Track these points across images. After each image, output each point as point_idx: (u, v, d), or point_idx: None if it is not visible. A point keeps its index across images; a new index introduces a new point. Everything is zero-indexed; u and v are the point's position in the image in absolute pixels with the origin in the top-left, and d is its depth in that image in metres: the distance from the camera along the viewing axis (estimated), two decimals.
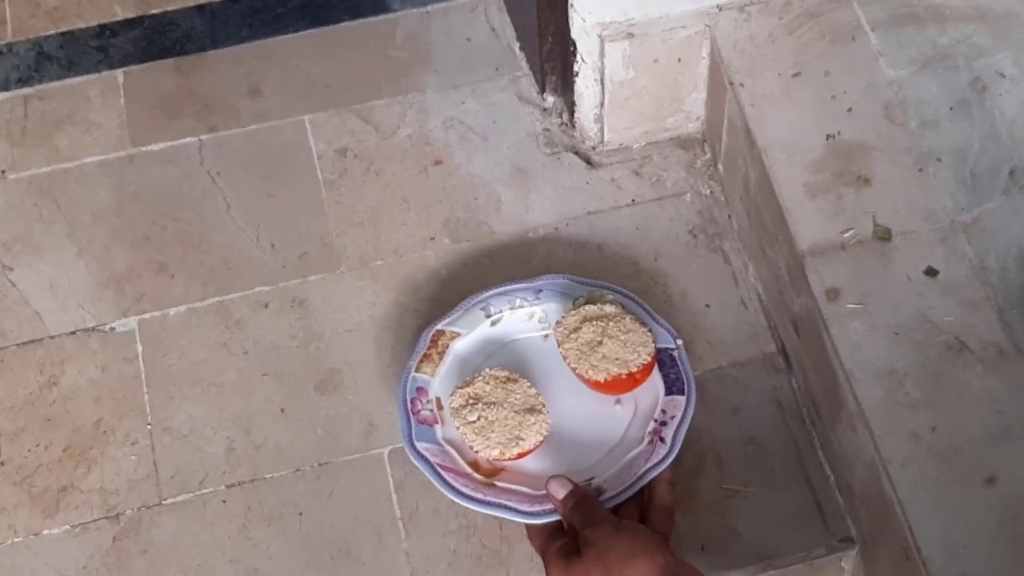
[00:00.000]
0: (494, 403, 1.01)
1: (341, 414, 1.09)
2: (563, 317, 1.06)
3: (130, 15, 1.36)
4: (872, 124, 1.05)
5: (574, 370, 1.04)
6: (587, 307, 1.06)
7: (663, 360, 1.05)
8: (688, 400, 1.03)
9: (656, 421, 1.02)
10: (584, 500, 0.94)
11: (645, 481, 0.98)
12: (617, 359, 1.03)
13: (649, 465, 0.99)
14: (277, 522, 1.04)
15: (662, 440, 1.01)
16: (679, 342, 1.06)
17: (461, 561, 1.01)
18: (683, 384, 1.04)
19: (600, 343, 1.03)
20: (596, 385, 1.04)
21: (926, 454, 0.91)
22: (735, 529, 1.01)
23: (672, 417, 1.02)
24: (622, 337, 1.04)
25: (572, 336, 1.05)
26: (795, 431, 1.05)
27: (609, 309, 1.06)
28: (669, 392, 1.03)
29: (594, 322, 1.05)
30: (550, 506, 0.96)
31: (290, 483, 1.06)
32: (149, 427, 1.09)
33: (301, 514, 1.04)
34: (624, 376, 1.03)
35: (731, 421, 1.06)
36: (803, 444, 1.05)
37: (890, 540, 0.92)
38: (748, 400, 1.07)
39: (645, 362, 1.03)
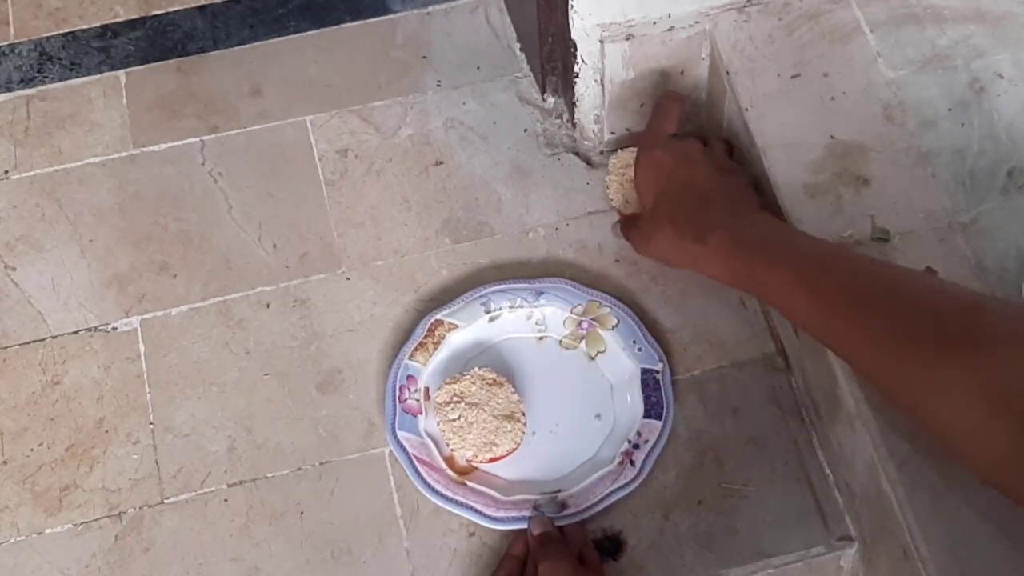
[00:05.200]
0: (476, 404, 1.03)
1: (342, 414, 1.09)
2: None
3: (132, 16, 1.36)
4: (871, 125, 1.06)
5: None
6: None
7: (646, 382, 1.06)
8: (664, 426, 1.04)
9: (630, 443, 1.03)
10: (553, 539, 0.98)
11: (610, 502, 1.01)
12: None
13: (616, 486, 1.01)
14: (279, 521, 1.04)
15: (632, 463, 1.02)
16: (662, 366, 1.07)
17: (461, 560, 1.02)
18: (662, 409, 1.05)
19: None
20: None
21: (926, 454, 0.91)
22: (734, 528, 1.01)
23: (646, 441, 1.03)
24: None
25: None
26: (795, 431, 1.06)
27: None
28: (647, 415, 1.05)
29: None
30: (516, 513, 1.01)
31: (291, 482, 1.06)
32: (151, 426, 1.09)
33: (302, 513, 1.05)
34: None
35: (731, 421, 1.06)
36: (802, 444, 1.05)
37: (889, 540, 0.92)
38: (748, 400, 1.07)
39: None
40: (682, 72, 1.16)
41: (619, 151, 1.17)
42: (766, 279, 0.92)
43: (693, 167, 1.05)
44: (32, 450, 1.09)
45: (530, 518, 1.00)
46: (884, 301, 0.83)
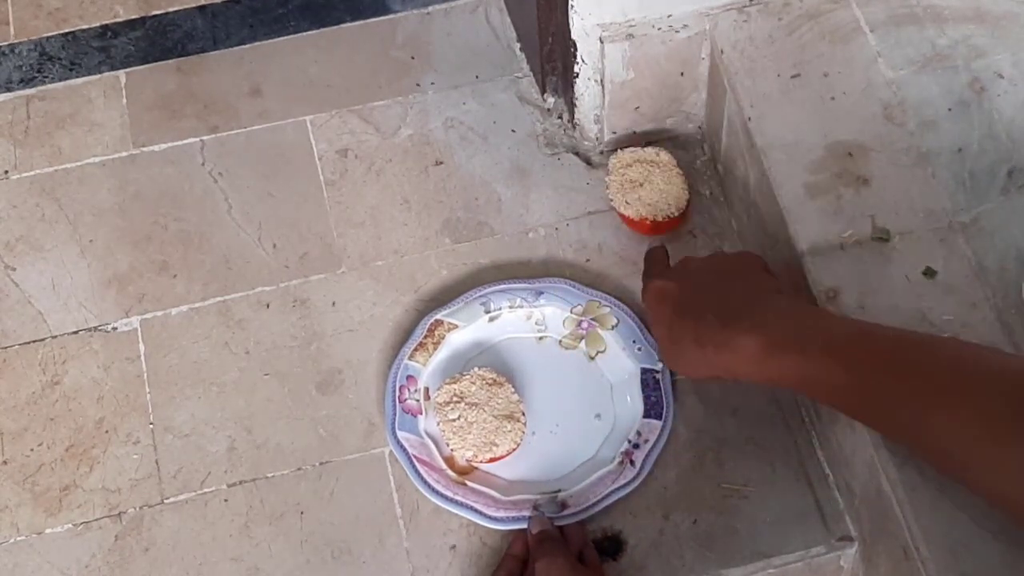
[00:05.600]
0: (476, 404, 1.03)
1: (342, 414, 1.09)
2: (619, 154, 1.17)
3: (132, 16, 1.36)
4: (871, 125, 1.06)
5: (610, 201, 1.16)
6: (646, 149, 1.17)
7: (646, 381, 1.06)
8: (664, 426, 1.04)
9: (630, 442, 1.04)
10: (551, 537, 0.98)
11: (610, 502, 1.01)
12: (650, 204, 1.14)
13: (615, 486, 1.01)
14: (279, 521, 1.04)
15: (632, 463, 1.02)
16: (662, 365, 1.07)
17: (461, 560, 1.02)
18: (662, 409, 1.05)
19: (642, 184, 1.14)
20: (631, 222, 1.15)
21: None
22: (735, 528, 1.01)
23: (646, 440, 1.03)
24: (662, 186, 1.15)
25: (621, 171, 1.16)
26: (795, 431, 1.06)
27: (665, 157, 1.16)
28: (647, 415, 1.05)
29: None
30: (516, 513, 1.01)
31: (291, 482, 1.06)
32: (151, 426, 1.09)
33: (302, 513, 1.05)
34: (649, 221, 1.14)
35: (731, 421, 1.06)
36: (802, 444, 1.05)
37: (890, 540, 0.92)
38: (748, 400, 1.07)
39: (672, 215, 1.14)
40: (682, 72, 1.16)
41: (619, 151, 1.16)
42: (818, 377, 0.84)
43: (702, 280, 0.96)
44: (32, 450, 1.09)
45: (529, 517, 1.00)
46: (972, 386, 0.79)
